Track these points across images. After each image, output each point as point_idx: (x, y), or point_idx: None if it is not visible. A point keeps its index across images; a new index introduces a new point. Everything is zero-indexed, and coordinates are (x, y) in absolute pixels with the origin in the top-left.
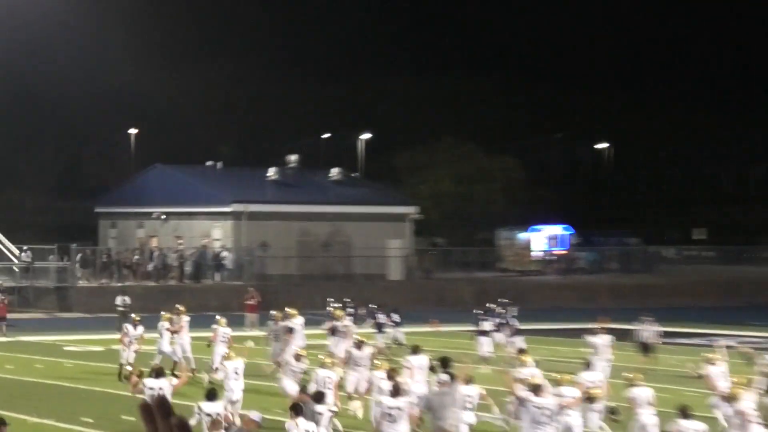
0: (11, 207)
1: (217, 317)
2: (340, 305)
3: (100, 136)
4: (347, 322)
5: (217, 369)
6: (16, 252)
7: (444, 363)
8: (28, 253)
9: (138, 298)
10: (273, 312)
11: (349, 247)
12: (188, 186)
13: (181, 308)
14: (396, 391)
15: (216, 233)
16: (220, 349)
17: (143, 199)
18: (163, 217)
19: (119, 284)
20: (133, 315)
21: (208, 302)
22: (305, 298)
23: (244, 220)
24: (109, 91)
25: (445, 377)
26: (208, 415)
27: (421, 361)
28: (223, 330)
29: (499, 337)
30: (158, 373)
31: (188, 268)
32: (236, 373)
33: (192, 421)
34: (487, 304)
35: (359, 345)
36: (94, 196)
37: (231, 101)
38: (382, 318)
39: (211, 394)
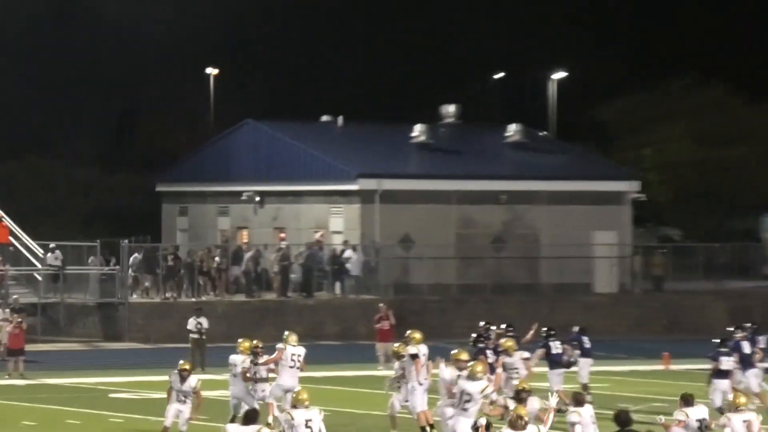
0: (35, 185)
1: (286, 333)
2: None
3: (164, 80)
4: (523, 354)
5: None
6: (41, 252)
7: (622, 420)
8: (58, 253)
9: (220, 320)
10: (396, 345)
11: (534, 243)
12: (294, 153)
13: (259, 344)
14: None
15: (335, 223)
16: (288, 379)
17: (227, 172)
18: (258, 199)
19: (192, 299)
20: (181, 362)
21: (323, 326)
22: (466, 320)
23: (378, 204)
24: (178, 16)
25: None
26: None
27: (589, 412)
28: (292, 350)
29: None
30: (249, 418)
31: (294, 275)
32: (307, 426)
33: None
34: (730, 329)
35: (521, 397)
36: (154, 167)
37: (356, 28)
38: (556, 346)
39: (248, 417)
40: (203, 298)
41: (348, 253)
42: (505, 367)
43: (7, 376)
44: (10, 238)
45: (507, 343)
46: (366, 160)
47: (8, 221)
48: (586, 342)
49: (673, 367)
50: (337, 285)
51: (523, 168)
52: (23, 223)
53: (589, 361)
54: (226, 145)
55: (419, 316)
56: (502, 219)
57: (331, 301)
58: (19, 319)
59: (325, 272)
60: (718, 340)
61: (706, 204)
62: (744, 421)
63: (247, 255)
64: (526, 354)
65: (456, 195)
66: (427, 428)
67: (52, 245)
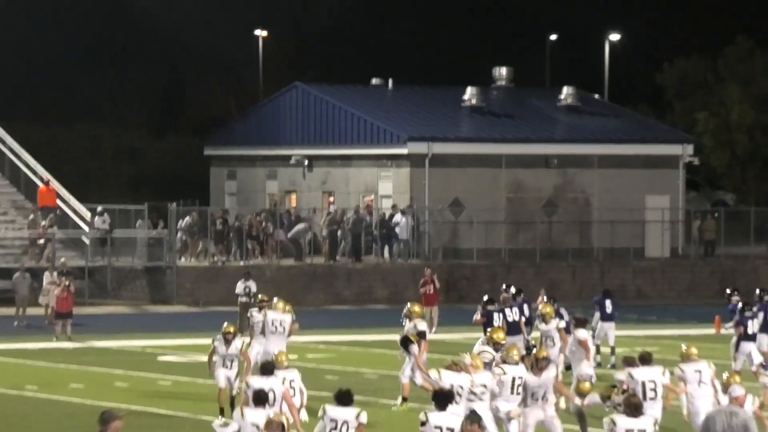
0: (82, 150)
1: (276, 299)
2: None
3: (212, 43)
4: (557, 323)
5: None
6: (88, 215)
7: (645, 359)
8: (106, 216)
9: (267, 284)
10: (408, 306)
11: (586, 207)
12: (343, 116)
13: (283, 304)
14: (636, 409)
15: (385, 187)
16: (271, 344)
17: (276, 136)
18: (306, 163)
19: (241, 263)
20: (226, 324)
21: (372, 290)
22: (516, 285)
23: (427, 168)
24: None
25: (740, 391)
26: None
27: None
28: (274, 316)
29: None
30: (266, 369)
31: (343, 239)
32: (291, 386)
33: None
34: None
35: (540, 366)
36: (202, 131)
37: None
38: (564, 315)
39: (265, 368)
40: (252, 262)
41: (397, 217)
42: (541, 335)
43: (54, 339)
44: (58, 202)
45: (545, 309)
46: (416, 124)
47: (56, 184)
48: (608, 306)
49: (725, 331)
50: (386, 249)
51: (576, 131)
52: (70, 188)
53: (610, 324)
54: (274, 108)
55: (468, 281)
56: (554, 183)
57: (379, 266)
58: (67, 282)
59: (374, 237)
60: (739, 306)
61: (760, 168)
62: (696, 371)
63: (300, 226)
64: (563, 323)
65: (507, 159)
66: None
67: (99, 209)
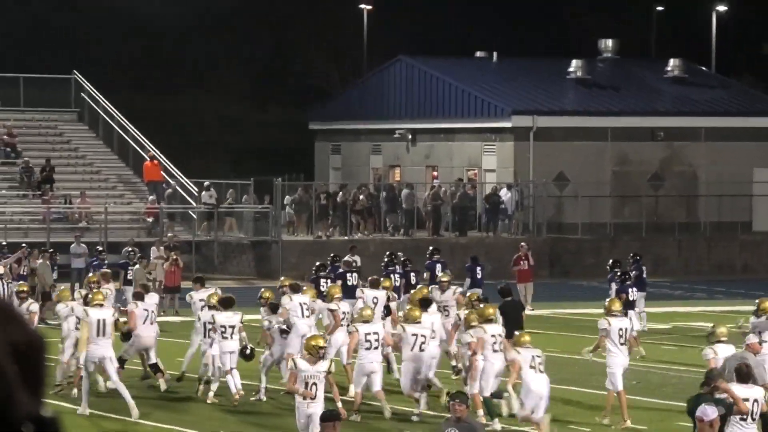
0: (186, 121)
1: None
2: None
3: (316, 15)
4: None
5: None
6: (195, 191)
7: None
8: (212, 191)
9: (372, 258)
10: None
11: (692, 181)
12: (447, 89)
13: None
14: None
15: (488, 161)
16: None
17: (380, 109)
18: (410, 137)
19: (345, 238)
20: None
21: None
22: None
23: (532, 141)
24: None
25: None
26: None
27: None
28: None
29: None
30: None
31: (447, 213)
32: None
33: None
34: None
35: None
36: (306, 105)
37: None
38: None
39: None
40: (356, 237)
41: (503, 191)
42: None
43: (162, 313)
44: (164, 175)
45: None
46: (520, 97)
47: (162, 159)
48: (479, 272)
49: None
50: (491, 224)
51: (682, 104)
52: (174, 160)
53: (478, 291)
54: (378, 82)
55: (573, 255)
56: (660, 156)
57: (483, 240)
58: (175, 257)
59: (479, 211)
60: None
61: None
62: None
63: (402, 194)
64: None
65: (612, 132)
66: None
67: (206, 183)
